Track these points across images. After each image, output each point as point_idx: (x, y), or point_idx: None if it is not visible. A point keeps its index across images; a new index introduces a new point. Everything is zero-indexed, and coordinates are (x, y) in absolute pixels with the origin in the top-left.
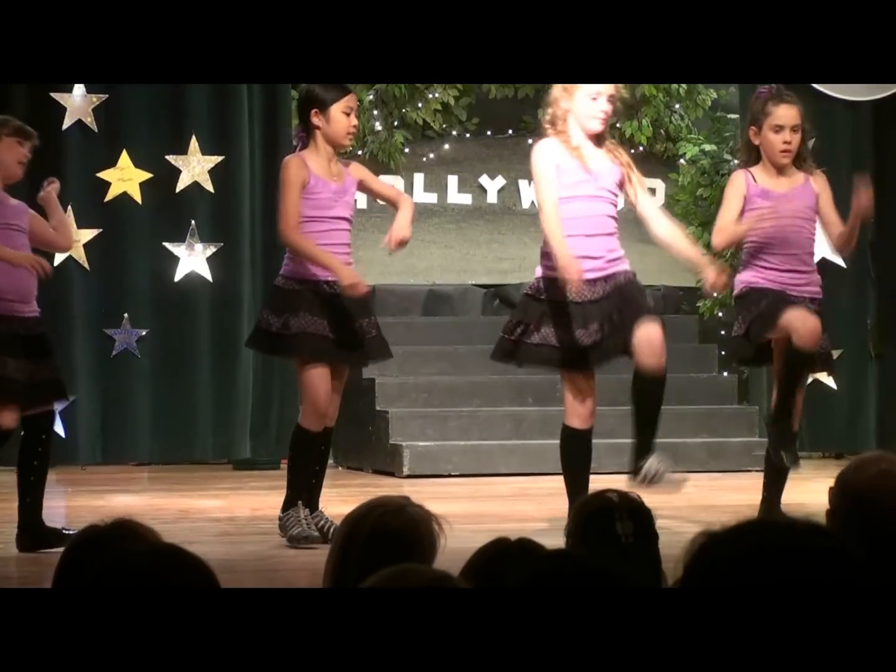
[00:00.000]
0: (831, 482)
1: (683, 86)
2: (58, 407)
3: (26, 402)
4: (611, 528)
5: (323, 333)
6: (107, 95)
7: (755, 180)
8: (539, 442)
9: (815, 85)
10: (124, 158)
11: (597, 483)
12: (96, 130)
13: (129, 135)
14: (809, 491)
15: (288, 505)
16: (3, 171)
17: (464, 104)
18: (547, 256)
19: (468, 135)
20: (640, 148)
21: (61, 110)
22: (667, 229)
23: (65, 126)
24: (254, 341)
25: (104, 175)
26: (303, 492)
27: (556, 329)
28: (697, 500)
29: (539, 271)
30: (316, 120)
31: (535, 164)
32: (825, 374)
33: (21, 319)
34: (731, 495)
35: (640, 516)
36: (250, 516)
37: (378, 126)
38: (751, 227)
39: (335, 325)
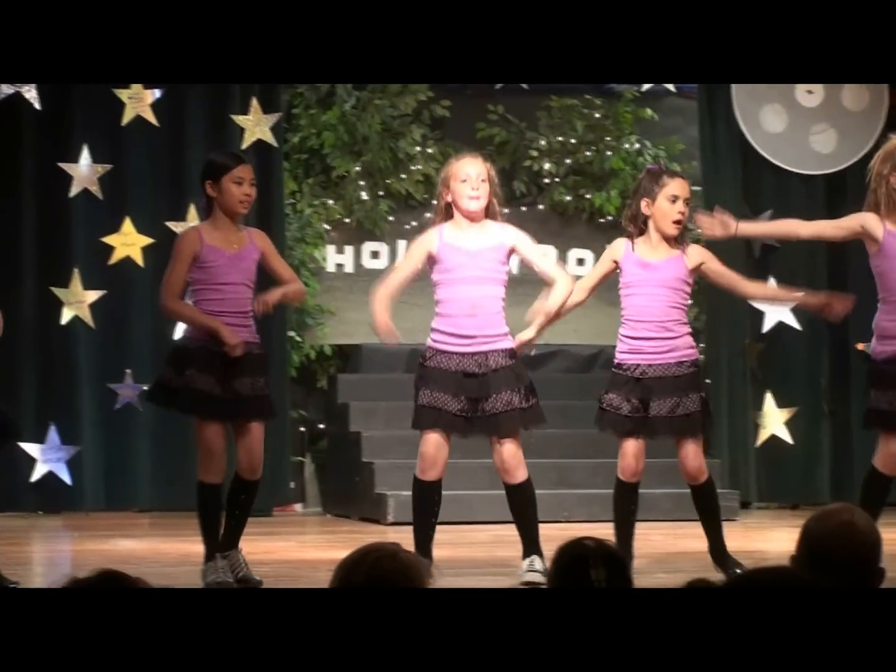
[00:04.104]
0: (788, 531)
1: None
2: None
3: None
4: (585, 574)
5: (208, 390)
6: (111, 165)
7: (633, 249)
8: None
9: (771, 160)
10: (127, 225)
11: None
12: (101, 198)
13: (131, 202)
14: (769, 539)
15: (207, 559)
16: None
17: None
18: None
19: None
20: (609, 218)
21: (68, 179)
22: None
23: (71, 194)
24: (151, 395)
25: (108, 240)
26: (214, 546)
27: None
28: (664, 548)
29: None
30: (210, 191)
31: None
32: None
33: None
34: (695, 542)
35: (614, 563)
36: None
37: (364, 195)
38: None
39: (223, 383)
